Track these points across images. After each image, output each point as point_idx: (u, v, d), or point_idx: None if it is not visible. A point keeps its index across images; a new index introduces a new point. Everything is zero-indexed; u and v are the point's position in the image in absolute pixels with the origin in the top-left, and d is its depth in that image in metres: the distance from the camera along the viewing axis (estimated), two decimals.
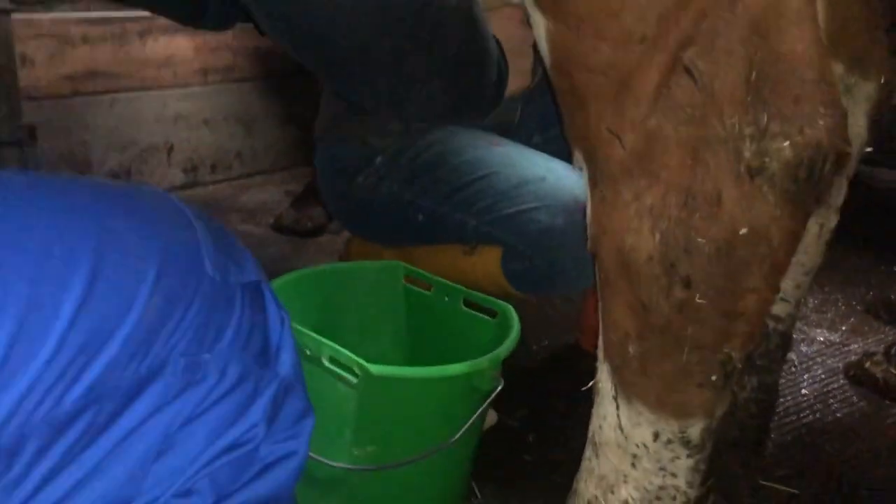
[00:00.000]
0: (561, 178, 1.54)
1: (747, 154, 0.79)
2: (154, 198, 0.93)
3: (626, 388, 0.91)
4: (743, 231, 0.81)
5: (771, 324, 1.26)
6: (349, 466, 1.17)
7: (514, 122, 1.79)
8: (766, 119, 0.77)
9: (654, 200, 0.82)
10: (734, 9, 0.76)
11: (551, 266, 1.50)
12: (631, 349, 0.88)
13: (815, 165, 0.77)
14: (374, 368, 1.09)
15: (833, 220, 1.21)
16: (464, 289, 1.45)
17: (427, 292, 1.51)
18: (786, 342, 1.30)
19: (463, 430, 1.21)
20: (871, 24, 1.10)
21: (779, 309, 1.26)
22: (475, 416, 1.22)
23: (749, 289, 0.84)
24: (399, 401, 1.16)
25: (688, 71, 0.79)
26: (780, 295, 1.25)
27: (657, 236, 0.83)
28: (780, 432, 1.63)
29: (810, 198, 0.80)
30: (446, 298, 1.47)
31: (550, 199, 1.50)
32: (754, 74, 0.77)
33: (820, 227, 1.21)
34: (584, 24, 0.80)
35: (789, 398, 1.76)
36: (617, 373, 0.91)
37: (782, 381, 1.66)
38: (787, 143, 0.77)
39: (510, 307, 1.36)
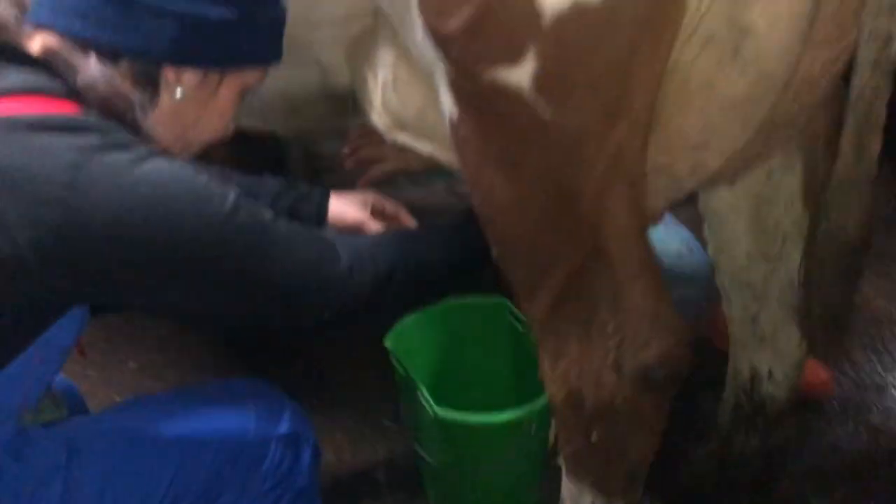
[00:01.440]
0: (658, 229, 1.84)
1: (613, 355, 1.12)
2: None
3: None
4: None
5: (767, 387, 1.51)
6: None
7: None
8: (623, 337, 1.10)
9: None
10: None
11: None
12: None
13: (653, 375, 1.09)
14: (440, 411, 1.57)
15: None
16: None
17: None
18: (790, 404, 1.53)
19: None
20: None
21: (772, 389, 1.50)
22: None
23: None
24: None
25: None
26: (774, 381, 1.50)
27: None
28: None
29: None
30: None
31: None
32: None
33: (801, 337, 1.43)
34: None
35: None
36: None
37: None
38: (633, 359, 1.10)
39: None
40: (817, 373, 2.04)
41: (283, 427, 1.27)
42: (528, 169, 1.01)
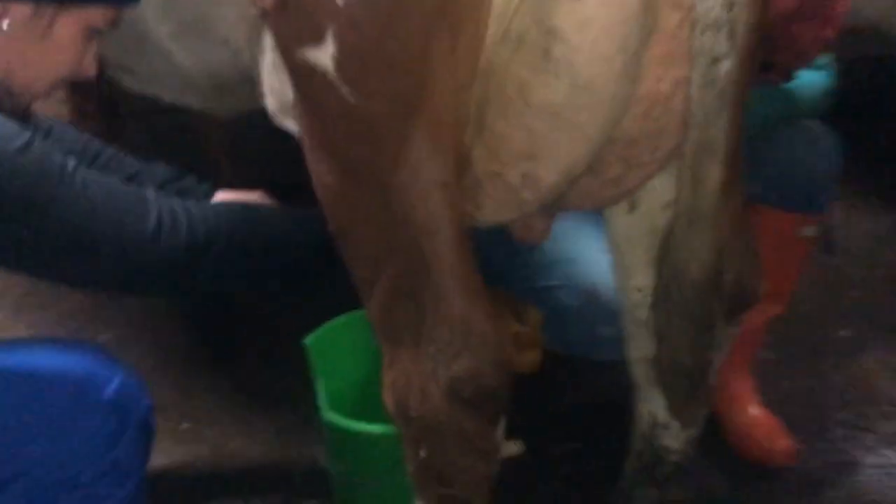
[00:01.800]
0: (589, 263, 1.75)
1: (435, 368, 1.06)
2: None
3: None
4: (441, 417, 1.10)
5: (665, 453, 1.41)
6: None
7: None
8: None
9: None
10: None
11: (563, 338, 1.76)
12: None
13: (462, 392, 1.03)
14: (327, 415, 1.53)
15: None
16: None
17: None
18: (687, 460, 1.42)
19: None
20: None
21: (669, 441, 1.39)
22: None
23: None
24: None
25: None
26: (670, 432, 1.39)
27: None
28: None
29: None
30: None
31: (573, 280, 1.73)
32: None
33: None
34: None
35: None
36: None
37: None
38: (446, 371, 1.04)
39: None
40: (777, 439, 1.90)
41: (109, 393, 1.22)
42: (344, 156, 0.98)
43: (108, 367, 1.24)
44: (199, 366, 2.22)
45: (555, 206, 1.19)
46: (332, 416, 1.53)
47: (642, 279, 1.30)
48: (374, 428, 1.49)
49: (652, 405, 1.40)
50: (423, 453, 1.14)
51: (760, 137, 1.71)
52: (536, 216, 1.24)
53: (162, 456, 1.98)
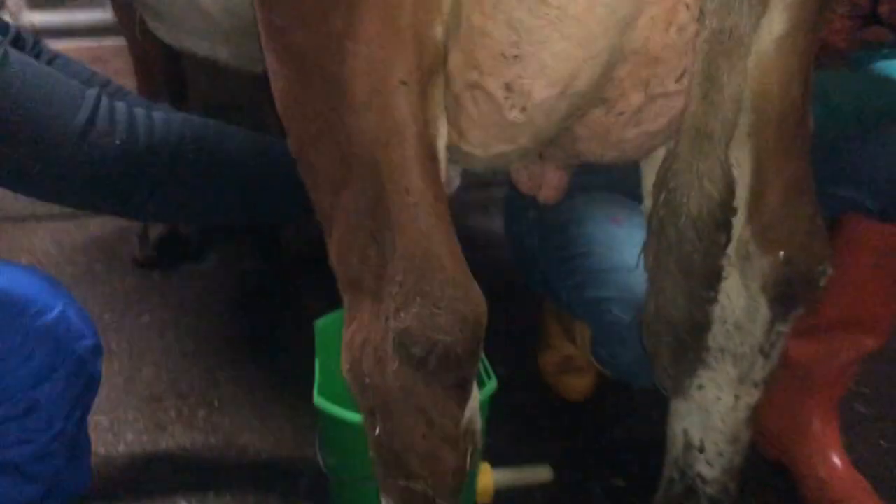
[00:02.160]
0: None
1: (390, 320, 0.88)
2: None
3: None
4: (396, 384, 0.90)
5: (699, 484, 1.14)
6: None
7: None
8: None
9: None
10: None
11: (613, 359, 1.51)
12: None
13: (411, 349, 0.84)
14: (318, 399, 1.36)
15: (754, 397, 1.04)
16: None
17: None
18: (726, 493, 1.15)
19: None
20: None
21: (705, 469, 1.13)
22: None
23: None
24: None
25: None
26: (704, 456, 1.13)
27: None
28: None
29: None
30: None
31: (629, 292, 1.49)
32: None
33: (735, 399, 1.05)
34: None
35: None
36: None
37: None
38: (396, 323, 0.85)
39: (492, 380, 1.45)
40: (860, 501, 1.58)
41: (44, 321, 1.09)
42: (290, 45, 0.82)
43: (52, 295, 1.12)
44: (232, 355, 2.12)
45: (564, 149, 0.98)
46: (321, 402, 1.36)
47: None
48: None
49: (686, 421, 1.16)
50: (378, 431, 0.95)
51: (856, 134, 1.44)
52: (548, 167, 1.04)
53: (171, 440, 1.88)
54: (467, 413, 0.91)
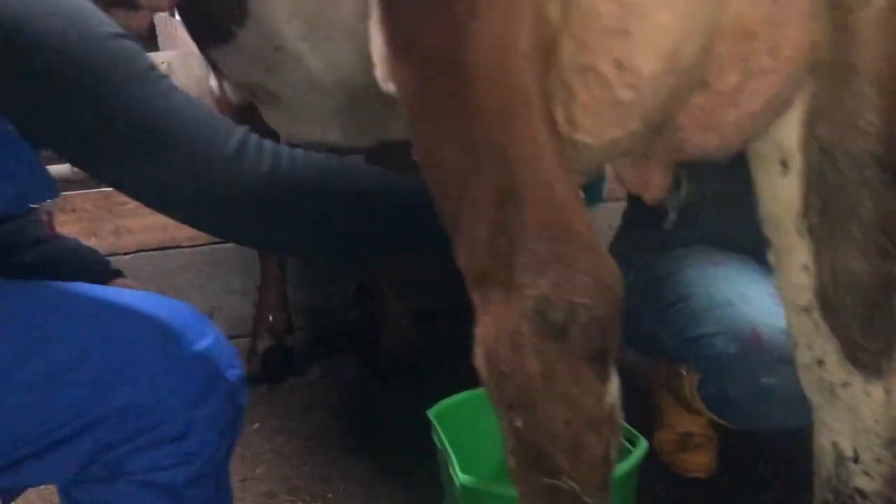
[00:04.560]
0: (747, 305, 1.47)
1: (524, 299, 0.86)
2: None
3: None
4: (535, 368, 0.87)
5: (859, 501, 1.03)
6: None
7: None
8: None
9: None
10: None
11: (722, 393, 1.45)
12: None
13: (550, 315, 0.81)
14: (464, 479, 1.34)
15: None
16: None
17: None
18: None
19: None
20: None
21: (863, 482, 1.03)
22: None
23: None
24: None
25: None
26: (861, 467, 1.04)
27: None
28: None
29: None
30: None
31: (730, 325, 1.45)
32: None
33: (886, 393, 0.97)
34: None
35: None
36: None
37: None
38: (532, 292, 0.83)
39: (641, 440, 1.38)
40: None
41: (200, 347, 1.08)
42: (418, 45, 0.86)
43: (204, 324, 1.12)
44: (340, 455, 2.08)
45: (667, 142, 0.99)
46: (467, 480, 1.33)
47: (808, 254, 1.04)
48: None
49: (835, 430, 1.07)
50: (518, 422, 0.89)
51: None
52: (653, 166, 1.04)
53: None
54: (609, 397, 0.86)
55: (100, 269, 1.48)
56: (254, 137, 1.09)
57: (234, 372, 1.11)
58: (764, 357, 1.39)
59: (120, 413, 1.02)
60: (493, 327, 0.90)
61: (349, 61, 1.37)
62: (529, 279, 0.82)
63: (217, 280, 2.93)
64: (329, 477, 1.98)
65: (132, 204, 2.30)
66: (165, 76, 1.08)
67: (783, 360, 1.31)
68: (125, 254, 2.85)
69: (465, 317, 0.94)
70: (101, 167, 1.09)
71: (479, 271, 0.91)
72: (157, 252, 2.88)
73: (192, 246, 2.91)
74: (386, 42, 0.94)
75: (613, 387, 0.86)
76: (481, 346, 0.91)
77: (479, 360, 0.92)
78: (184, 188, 1.06)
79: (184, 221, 1.13)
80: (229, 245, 2.97)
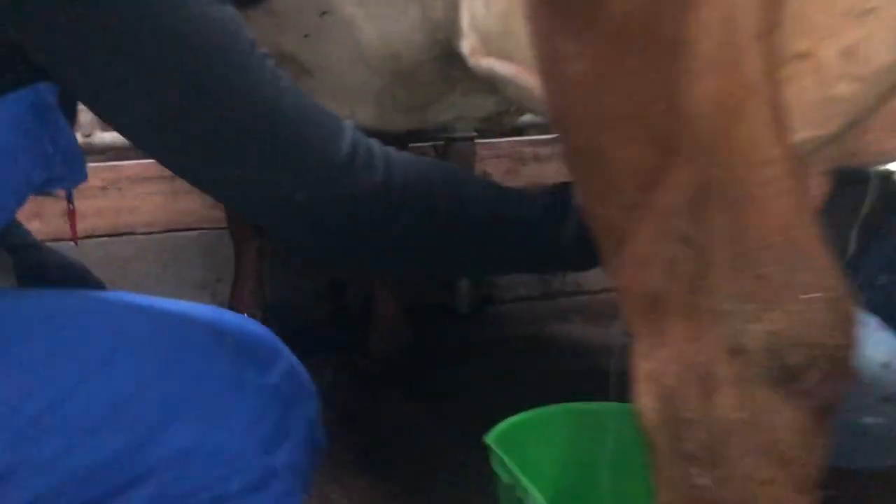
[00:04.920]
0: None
1: (729, 332, 0.71)
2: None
3: None
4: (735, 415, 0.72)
5: None
6: None
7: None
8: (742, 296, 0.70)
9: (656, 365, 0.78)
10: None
11: None
12: None
13: (786, 357, 0.67)
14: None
15: None
16: None
17: None
18: None
19: None
20: None
21: None
22: None
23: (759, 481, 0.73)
24: None
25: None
26: None
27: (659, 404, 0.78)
28: None
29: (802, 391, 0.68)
30: None
31: None
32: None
33: None
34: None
35: None
36: None
37: None
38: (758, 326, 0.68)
39: None
40: None
41: (273, 375, 0.91)
42: (613, 18, 0.70)
43: (275, 344, 0.94)
44: (338, 473, 1.91)
45: (845, 145, 0.85)
46: None
47: None
48: None
49: None
50: (700, 479, 0.75)
51: None
52: (812, 172, 0.91)
53: None
54: (824, 442, 0.73)
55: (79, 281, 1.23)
56: (362, 140, 0.91)
57: (313, 405, 0.92)
58: (864, 395, 1.28)
59: (180, 460, 0.82)
60: (673, 365, 0.74)
61: (408, 32, 1.19)
62: (751, 315, 0.67)
63: (174, 271, 2.67)
64: (329, 498, 1.79)
65: None
66: (266, 54, 0.87)
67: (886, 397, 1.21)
68: (72, 239, 2.56)
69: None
70: (185, 161, 0.88)
71: (650, 297, 0.76)
72: (108, 238, 2.60)
73: (148, 233, 2.65)
74: (539, 19, 0.76)
75: (828, 435, 0.72)
76: (654, 384, 0.76)
77: (648, 400, 0.77)
78: (289, 199, 0.86)
79: (277, 236, 0.92)
80: (189, 233, 2.72)
